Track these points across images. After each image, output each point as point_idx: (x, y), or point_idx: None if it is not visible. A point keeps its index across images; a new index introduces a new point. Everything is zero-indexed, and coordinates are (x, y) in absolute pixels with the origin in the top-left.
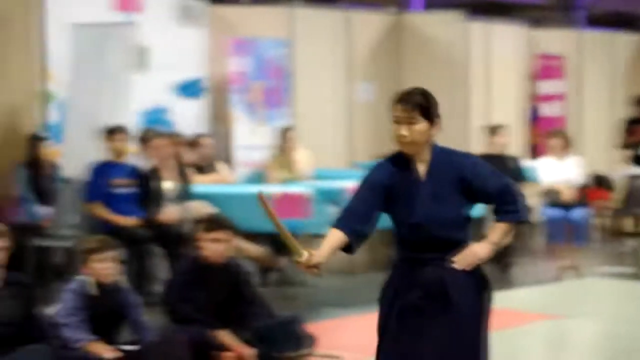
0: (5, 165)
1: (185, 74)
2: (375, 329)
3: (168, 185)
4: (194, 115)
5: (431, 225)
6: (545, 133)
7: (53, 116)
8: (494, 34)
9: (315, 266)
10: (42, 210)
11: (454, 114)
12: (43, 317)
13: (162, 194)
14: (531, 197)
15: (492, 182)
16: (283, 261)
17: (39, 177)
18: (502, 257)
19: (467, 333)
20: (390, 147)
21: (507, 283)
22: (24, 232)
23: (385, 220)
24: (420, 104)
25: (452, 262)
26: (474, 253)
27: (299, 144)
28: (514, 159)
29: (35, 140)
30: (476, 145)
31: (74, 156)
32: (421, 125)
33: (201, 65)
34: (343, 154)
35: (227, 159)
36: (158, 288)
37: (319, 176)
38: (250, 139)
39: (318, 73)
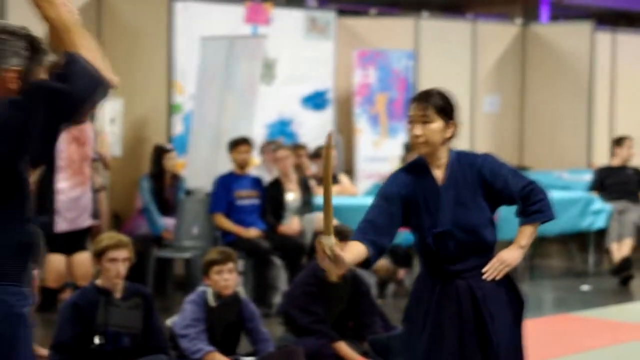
0: (134, 177)
1: (311, 85)
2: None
3: (290, 196)
4: (319, 127)
5: (458, 232)
6: None
7: (179, 128)
8: (620, 44)
9: (336, 259)
10: (165, 222)
11: (579, 125)
12: (163, 328)
13: (285, 206)
14: None
15: (514, 182)
16: (402, 273)
17: (163, 189)
18: (623, 270)
19: (505, 349)
20: (513, 159)
21: (627, 296)
22: (146, 243)
23: (506, 233)
24: (435, 103)
25: (483, 273)
26: (503, 260)
27: None
28: (636, 171)
29: (160, 151)
30: (600, 156)
31: (199, 168)
32: (436, 124)
33: (327, 77)
34: None
35: (350, 171)
36: (278, 299)
37: None
38: (374, 151)
39: (443, 85)
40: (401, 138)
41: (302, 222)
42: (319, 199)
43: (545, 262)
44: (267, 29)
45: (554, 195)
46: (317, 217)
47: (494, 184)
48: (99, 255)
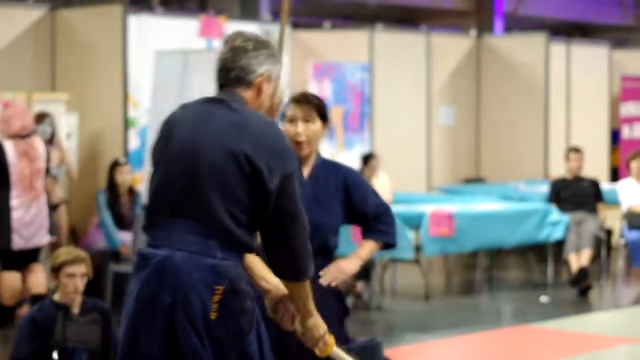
0: (91, 192)
1: None
2: (453, 354)
3: None
4: None
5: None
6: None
7: (134, 143)
8: (575, 55)
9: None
10: (122, 236)
11: (534, 136)
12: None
13: None
14: (612, 219)
15: (372, 199)
16: (360, 286)
17: (118, 203)
18: (581, 281)
19: None
20: (470, 170)
21: (586, 307)
22: (103, 258)
23: (466, 244)
24: (317, 104)
25: (319, 276)
26: (341, 268)
27: (379, 169)
28: (592, 182)
29: (115, 166)
30: (557, 167)
31: None
32: (317, 124)
33: (281, 90)
34: (422, 178)
35: None
36: None
37: (398, 200)
38: None
39: (398, 97)
40: (357, 150)
41: None
42: None
43: (503, 273)
44: (221, 43)
45: (512, 206)
46: None
47: (353, 194)
48: (56, 270)
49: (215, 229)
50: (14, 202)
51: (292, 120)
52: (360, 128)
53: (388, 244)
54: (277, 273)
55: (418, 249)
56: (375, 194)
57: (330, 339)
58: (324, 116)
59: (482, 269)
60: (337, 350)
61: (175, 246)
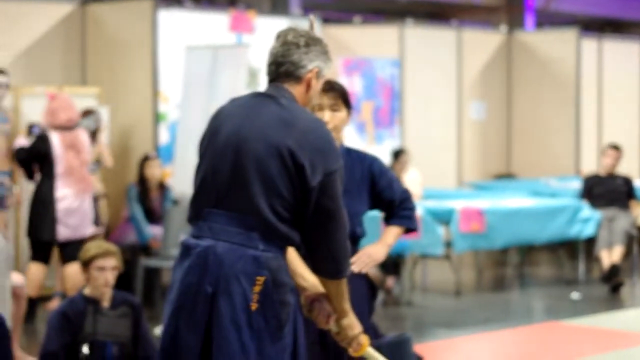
0: (121, 186)
1: None
2: (483, 350)
3: None
4: None
5: None
6: None
7: (165, 137)
8: (606, 51)
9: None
10: (152, 230)
11: (565, 131)
12: (151, 337)
13: None
14: None
15: (396, 186)
16: (390, 282)
17: (149, 197)
18: (612, 277)
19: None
20: (500, 166)
21: (618, 303)
22: (133, 252)
23: (496, 241)
24: (342, 92)
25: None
26: (369, 254)
27: (409, 164)
28: (625, 179)
29: (145, 160)
30: (588, 163)
31: (185, 177)
32: (342, 113)
33: None
34: (453, 174)
35: None
36: None
37: (429, 196)
38: None
39: (428, 92)
40: (388, 145)
41: None
42: None
43: (534, 270)
44: (252, 38)
45: (542, 202)
46: None
47: (379, 182)
48: (86, 264)
49: (258, 221)
50: (60, 192)
51: (320, 109)
52: (391, 123)
53: (410, 229)
54: (315, 270)
55: (448, 244)
56: (398, 182)
57: (365, 339)
58: (348, 104)
59: (512, 265)
60: (370, 351)
61: (218, 237)
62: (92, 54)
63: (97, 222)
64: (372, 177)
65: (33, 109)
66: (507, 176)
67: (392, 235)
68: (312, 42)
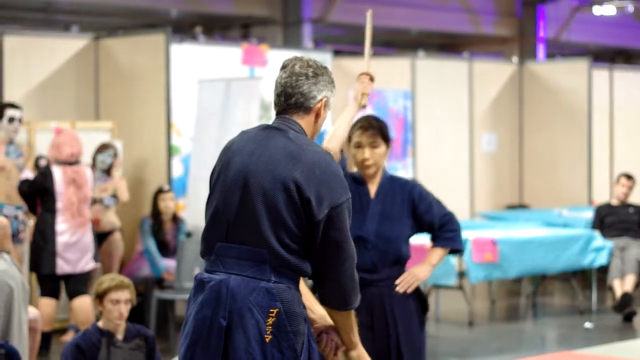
0: (135, 219)
1: None
2: None
3: None
4: None
5: (379, 242)
6: None
7: (178, 170)
8: (617, 81)
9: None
10: (166, 263)
11: (577, 162)
12: None
13: None
14: None
15: (437, 209)
16: None
17: (162, 230)
18: (625, 306)
19: (410, 350)
20: (513, 197)
21: (631, 332)
22: (147, 284)
23: (509, 271)
24: (381, 130)
25: (394, 285)
26: (414, 275)
27: None
28: (637, 208)
29: (158, 193)
30: (600, 193)
31: (199, 209)
32: (381, 149)
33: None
34: (465, 205)
35: None
36: None
37: None
38: None
39: (440, 124)
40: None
41: None
42: None
43: (547, 299)
44: (264, 71)
45: (555, 232)
46: None
47: (419, 205)
48: (100, 296)
49: (268, 253)
50: (60, 227)
51: (359, 146)
52: (403, 155)
53: (455, 250)
54: (323, 302)
55: (462, 275)
56: (439, 204)
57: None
58: (386, 138)
59: (526, 295)
60: None
61: (230, 270)
62: (105, 88)
63: (96, 258)
64: (412, 202)
65: (46, 144)
66: (519, 207)
67: (436, 256)
68: (319, 72)
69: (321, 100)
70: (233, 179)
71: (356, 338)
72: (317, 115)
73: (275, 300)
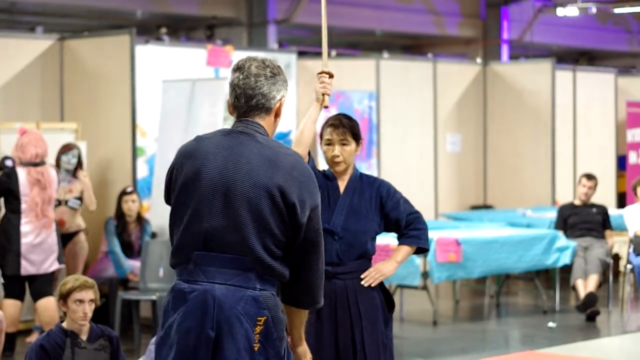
0: (99, 220)
1: None
2: None
3: None
4: None
5: (345, 235)
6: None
7: (143, 171)
8: (580, 82)
9: (331, 76)
10: (130, 264)
11: (541, 162)
12: None
13: None
14: (619, 245)
15: (404, 207)
16: None
17: (126, 231)
18: (589, 306)
19: (375, 346)
20: (477, 197)
21: (594, 332)
22: (112, 285)
23: (473, 271)
24: (351, 128)
25: (360, 278)
26: (379, 270)
27: None
28: (601, 208)
29: (123, 194)
30: (564, 193)
31: (163, 210)
32: (351, 146)
33: (289, 118)
34: (429, 205)
35: None
36: None
37: None
38: None
39: (405, 124)
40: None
41: None
42: None
43: (511, 299)
44: (229, 72)
45: (519, 232)
46: None
47: (387, 202)
48: (64, 297)
49: (253, 261)
50: (24, 228)
51: (329, 144)
52: (368, 155)
53: (421, 248)
54: (291, 301)
55: (425, 275)
56: (407, 203)
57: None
58: (357, 136)
59: (490, 294)
60: None
61: (213, 280)
62: (70, 89)
63: (60, 259)
64: (380, 199)
65: (11, 145)
66: (483, 207)
67: (401, 253)
68: (276, 71)
69: (280, 99)
70: (210, 188)
71: (303, 334)
72: (277, 115)
73: (262, 309)
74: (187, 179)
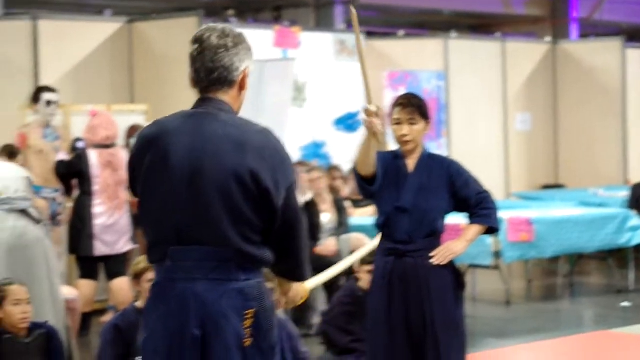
0: None
1: (342, 108)
2: (533, 358)
3: (325, 217)
4: (351, 149)
5: (415, 212)
6: None
7: None
8: None
9: (377, 115)
10: None
11: (612, 141)
12: None
13: (320, 227)
14: None
15: (473, 186)
16: None
17: None
18: None
19: (444, 324)
20: (548, 177)
21: None
22: None
23: (545, 250)
24: (419, 106)
25: (429, 256)
26: (450, 249)
27: None
28: None
29: None
30: (636, 172)
31: None
32: (419, 125)
33: (358, 98)
34: (500, 185)
35: None
36: (317, 320)
37: None
38: None
39: (474, 104)
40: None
41: (338, 243)
42: (353, 219)
43: (584, 279)
44: (297, 53)
45: (591, 212)
46: (353, 238)
47: (457, 181)
48: (137, 277)
49: (231, 251)
50: (97, 209)
51: (398, 123)
52: (437, 135)
53: (491, 228)
54: (281, 276)
55: (497, 255)
56: (476, 182)
57: (304, 287)
58: (425, 115)
59: (562, 274)
60: (313, 282)
61: (192, 275)
62: (140, 71)
63: (134, 239)
64: (450, 178)
65: (82, 127)
66: (554, 187)
67: (471, 232)
68: (238, 40)
69: (244, 70)
70: (177, 179)
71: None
72: (241, 88)
73: (249, 300)
74: (151, 168)
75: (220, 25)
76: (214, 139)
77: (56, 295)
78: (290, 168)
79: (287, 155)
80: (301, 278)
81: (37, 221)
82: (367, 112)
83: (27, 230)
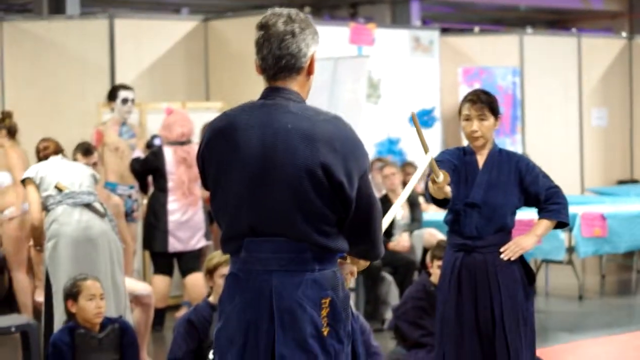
0: None
1: (416, 104)
2: (607, 354)
3: (399, 213)
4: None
5: (485, 209)
6: None
7: None
8: None
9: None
10: None
11: None
12: None
13: (394, 222)
14: None
15: (543, 181)
16: None
17: None
18: None
19: (513, 319)
20: (624, 172)
21: None
22: None
23: (619, 245)
24: (488, 102)
25: (499, 252)
26: (519, 244)
27: None
28: None
29: None
30: None
31: None
32: (489, 121)
33: (433, 95)
34: (575, 181)
35: None
36: (389, 314)
37: None
38: None
39: (549, 100)
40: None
41: (411, 238)
42: (427, 215)
43: None
44: (372, 49)
45: None
46: (427, 233)
47: (526, 177)
48: (211, 272)
49: (306, 243)
50: (171, 206)
51: (468, 119)
52: (512, 131)
53: (561, 223)
54: (358, 257)
55: (571, 250)
56: (546, 177)
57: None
58: (495, 111)
59: (637, 269)
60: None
61: (268, 267)
62: (215, 69)
63: (207, 235)
64: (519, 173)
65: (157, 124)
66: (630, 182)
67: (541, 227)
68: (304, 25)
69: (312, 55)
70: (247, 175)
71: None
72: (309, 73)
73: (324, 290)
74: (221, 162)
75: (285, 10)
76: (284, 133)
77: (118, 288)
78: (362, 154)
79: (358, 141)
80: (376, 258)
81: (102, 215)
82: (433, 181)
83: (92, 223)
